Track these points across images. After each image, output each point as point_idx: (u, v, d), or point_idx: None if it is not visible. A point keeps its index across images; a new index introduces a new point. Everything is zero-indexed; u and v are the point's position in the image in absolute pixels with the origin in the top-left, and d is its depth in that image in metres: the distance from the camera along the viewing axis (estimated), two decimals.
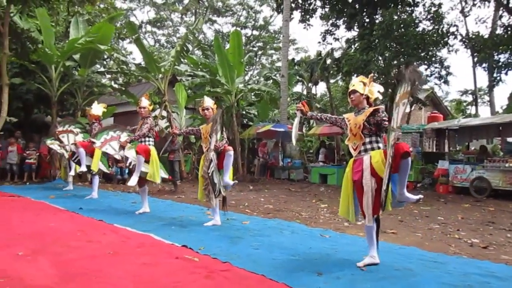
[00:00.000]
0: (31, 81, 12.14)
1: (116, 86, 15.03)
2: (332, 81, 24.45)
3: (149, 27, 32.02)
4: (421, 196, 3.53)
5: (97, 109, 8.48)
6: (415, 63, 14.52)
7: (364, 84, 3.81)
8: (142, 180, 6.41)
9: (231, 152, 5.45)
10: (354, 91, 3.79)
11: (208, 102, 5.67)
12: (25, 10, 10.82)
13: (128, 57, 21.15)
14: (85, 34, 11.62)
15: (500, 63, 13.59)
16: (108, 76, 17.51)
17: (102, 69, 15.36)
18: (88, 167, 8.03)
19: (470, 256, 4.15)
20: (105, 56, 14.37)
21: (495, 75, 13.67)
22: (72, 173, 8.76)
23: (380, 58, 14.72)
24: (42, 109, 13.70)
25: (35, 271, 3.23)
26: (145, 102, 6.50)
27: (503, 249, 4.55)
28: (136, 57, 40.59)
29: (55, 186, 10.30)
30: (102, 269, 3.32)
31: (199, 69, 15.24)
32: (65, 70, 12.31)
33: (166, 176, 7.00)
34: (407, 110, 20.47)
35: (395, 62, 14.22)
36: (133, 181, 6.07)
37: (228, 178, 5.48)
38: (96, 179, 8.46)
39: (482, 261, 3.94)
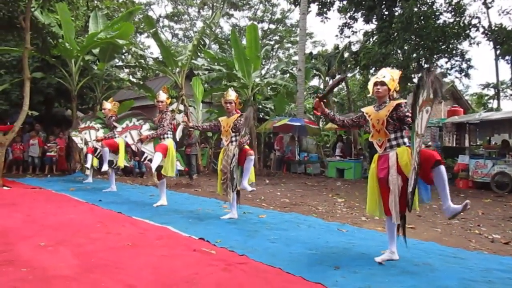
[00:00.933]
0: (51, 75, 12.35)
1: (134, 80, 15.20)
2: (349, 74, 24.19)
3: (166, 21, 32.21)
4: (468, 201, 3.19)
5: (107, 104, 8.74)
6: (435, 57, 14.29)
7: (394, 80, 3.64)
8: (161, 174, 6.48)
9: (252, 157, 5.39)
10: (383, 83, 3.61)
11: (232, 95, 5.60)
12: (46, 5, 10.99)
13: (146, 52, 21.35)
14: (104, 29, 11.74)
15: None
16: (126, 70, 17.72)
17: (120, 64, 15.53)
18: (111, 162, 8.07)
19: (491, 252, 4.07)
20: (124, 51, 14.51)
21: None
22: (88, 165, 8.89)
23: (399, 51, 14.49)
24: (63, 103, 13.93)
25: (57, 261, 3.31)
26: (163, 96, 6.52)
27: None
28: (154, 51, 41.01)
29: (75, 179, 10.51)
30: (122, 261, 3.38)
31: (215, 63, 15.26)
32: (85, 65, 12.49)
33: (182, 168, 7.07)
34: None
35: (414, 55, 13.98)
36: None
37: (247, 183, 5.38)
38: (112, 173, 8.53)
39: (504, 257, 3.86)
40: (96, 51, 12.50)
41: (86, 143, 9.04)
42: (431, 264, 3.49)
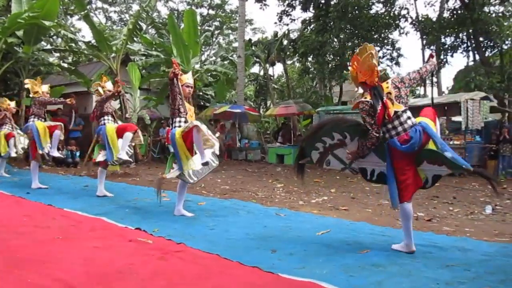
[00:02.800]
0: None
1: (64, 65, 14.29)
2: (289, 62, 24.59)
3: (99, 3, 30.51)
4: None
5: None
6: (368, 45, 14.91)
7: None
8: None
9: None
10: None
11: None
12: None
13: (77, 35, 20.07)
14: (28, 9, 10.89)
15: (447, 46, 14.20)
16: (56, 54, 16.62)
17: (49, 47, 14.51)
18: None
19: (415, 229, 4.34)
20: (52, 33, 13.56)
21: (441, 57, 14.26)
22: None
23: (335, 39, 14.93)
24: None
25: None
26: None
27: (445, 221, 4.86)
28: (86, 35, 38.81)
29: None
30: (52, 254, 3.21)
31: (153, 49, 14.78)
32: (8, 47, 11.53)
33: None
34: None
35: (349, 44, 14.48)
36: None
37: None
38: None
39: (425, 232, 4.18)
40: (20, 33, 11.57)
41: None
42: (361, 242, 3.70)
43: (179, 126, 4.75)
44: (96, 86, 6.55)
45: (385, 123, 3.37)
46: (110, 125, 6.17)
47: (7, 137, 8.37)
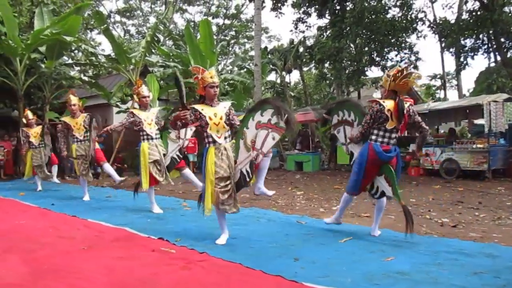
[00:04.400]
0: None
1: (85, 78, 14.62)
2: (305, 69, 24.57)
3: (118, 17, 31.23)
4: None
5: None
6: (385, 50, 14.80)
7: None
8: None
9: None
10: None
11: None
12: None
13: (97, 48, 20.53)
14: (50, 25, 11.20)
15: (466, 48, 13.96)
16: (77, 68, 17.01)
17: (70, 61, 14.89)
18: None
19: (440, 235, 4.29)
20: (73, 48, 13.93)
21: (461, 59, 14.03)
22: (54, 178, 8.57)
23: (352, 45, 14.86)
24: (8, 103, 13.21)
25: (5, 270, 3.14)
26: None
27: (471, 227, 4.73)
28: (106, 48, 39.65)
29: (25, 183, 10.00)
30: (76, 265, 3.26)
31: (170, 60, 14.98)
32: (31, 63, 11.88)
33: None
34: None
35: (366, 49, 14.39)
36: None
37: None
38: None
39: (451, 239, 4.08)
40: (43, 49, 11.92)
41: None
42: (385, 250, 3.63)
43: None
44: (135, 91, 6.24)
45: (385, 129, 3.99)
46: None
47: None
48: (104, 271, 3.10)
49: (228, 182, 3.83)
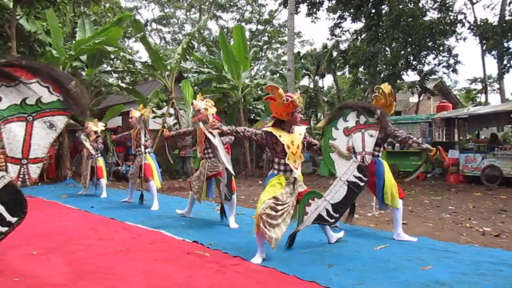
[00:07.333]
0: None
1: (123, 85, 15.10)
2: (339, 73, 24.28)
3: (154, 25, 32.08)
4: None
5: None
6: (422, 54, 14.42)
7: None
8: None
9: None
10: None
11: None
12: (32, 12, 10.90)
13: (134, 56, 21.20)
14: (92, 36, 11.67)
15: (510, 50, 13.38)
16: (115, 75, 17.61)
17: (109, 69, 15.44)
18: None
19: (482, 245, 4.12)
20: (112, 56, 14.44)
21: (505, 62, 13.45)
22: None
23: (388, 49, 14.57)
24: None
25: (49, 269, 3.28)
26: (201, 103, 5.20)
27: None
28: (142, 55, 40.84)
29: (66, 186, 10.42)
30: (115, 266, 3.36)
31: (204, 66, 15.23)
32: (73, 71, 12.39)
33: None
34: (415, 100, 20.30)
35: (402, 52, 14.06)
36: None
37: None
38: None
39: (494, 249, 3.92)
40: (84, 57, 12.43)
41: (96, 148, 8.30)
42: (423, 258, 3.53)
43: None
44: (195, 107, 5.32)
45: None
46: None
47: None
48: (142, 273, 3.18)
49: (279, 203, 3.54)
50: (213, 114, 5.11)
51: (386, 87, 4.42)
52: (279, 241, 3.53)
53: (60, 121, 2.62)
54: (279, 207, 3.52)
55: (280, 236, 3.50)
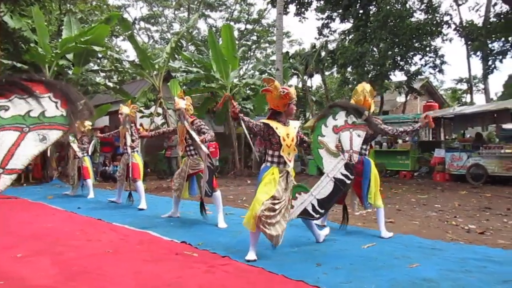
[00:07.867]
0: None
1: (110, 84, 14.96)
2: (327, 73, 24.41)
3: (142, 24, 31.81)
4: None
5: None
6: (409, 54, 14.59)
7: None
8: None
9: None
10: None
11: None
12: (16, 9, 10.73)
13: (122, 55, 21.00)
14: (79, 35, 11.53)
15: (495, 51, 13.62)
16: (102, 74, 17.44)
17: (96, 68, 15.25)
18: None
19: (467, 242, 4.19)
20: (99, 55, 14.28)
21: (489, 63, 13.69)
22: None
23: (375, 49, 14.71)
24: None
25: (36, 271, 3.24)
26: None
27: (500, 234, 4.60)
28: (130, 54, 40.43)
29: (52, 187, 10.29)
30: (103, 267, 3.34)
31: (193, 65, 15.17)
32: (59, 70, 12.24)
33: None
34: (402, 100, 20.52)
35: (390, 53, 14.22)
36: None
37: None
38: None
39: (479, 246, 3.99)
40: (70, 55, 12.27)
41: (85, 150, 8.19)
42: (410, 256, 3.57)
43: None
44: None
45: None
46: None
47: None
48: (131, 274, 3.16)
49: (276, 201, 3.55)
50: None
51: (365, 86, 4.58)
52: (281, 237, 3.56)
53: (54, 135, 2.58)
54: (277, 206, 3.55)
55: (281, 233, 3.54)
